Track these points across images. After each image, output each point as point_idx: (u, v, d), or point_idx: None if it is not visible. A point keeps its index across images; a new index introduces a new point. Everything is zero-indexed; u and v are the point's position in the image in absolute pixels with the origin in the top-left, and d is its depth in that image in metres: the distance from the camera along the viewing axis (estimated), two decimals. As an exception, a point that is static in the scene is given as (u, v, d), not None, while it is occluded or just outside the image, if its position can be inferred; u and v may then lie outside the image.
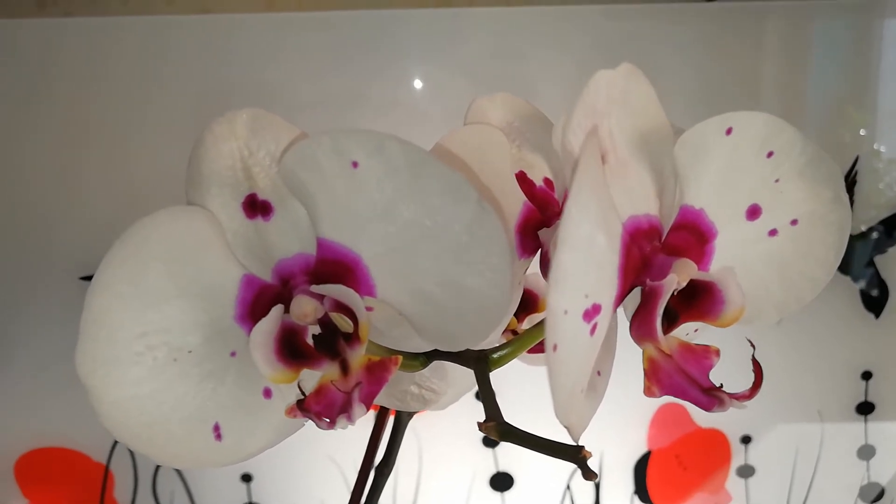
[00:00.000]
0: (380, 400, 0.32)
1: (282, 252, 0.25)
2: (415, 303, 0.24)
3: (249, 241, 0.25)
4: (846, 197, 0.25)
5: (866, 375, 0.69)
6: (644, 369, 0.23)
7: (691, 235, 0.24)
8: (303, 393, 0.24)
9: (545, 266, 0.30)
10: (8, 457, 0.64)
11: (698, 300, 0.23)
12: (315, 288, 0.24)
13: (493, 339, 0.28)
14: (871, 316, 0.67)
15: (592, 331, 0.20)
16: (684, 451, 0.69)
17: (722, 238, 0.25)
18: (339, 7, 0.62)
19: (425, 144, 0.24)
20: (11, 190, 0.59)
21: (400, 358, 0.24)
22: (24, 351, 0.61)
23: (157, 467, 0.65)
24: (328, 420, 0.23)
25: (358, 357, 0.24)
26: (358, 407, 0.23)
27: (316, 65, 0.58)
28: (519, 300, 0.32)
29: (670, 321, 0.24)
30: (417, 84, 0.59)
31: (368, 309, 0.25)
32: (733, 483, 0.70)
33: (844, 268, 0.66)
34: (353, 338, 0.24)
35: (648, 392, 0.23)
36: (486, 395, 0.25)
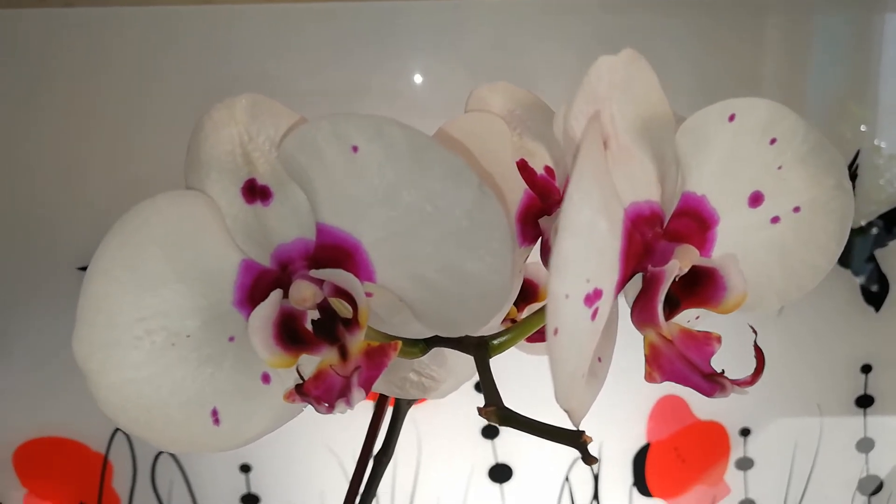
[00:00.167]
0: (379, 387, 0.32)
1: (281, 237, 0.25)
2: (415, 288, 0.24)
3: (248, 226, 0.25)
4: (849, 184, 0.25)
5: (866, 369, 0.69)
6: (645, 355, 0.23)
7: (693, 222, 0.24)
8: (301, 377, 0.24)
9: (546, 254, 0.30)
10: (7, 447, 0.64)
11: (700, 286, 0.23)
12: (314, 272, 0.24)
13: (493, 326, 0.28)
14: (871, 309, 0.67)
15: (593, 316, 0.20)
16: (683, 444, 0.69)
17: (724, 225, 0.25)
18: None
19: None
20: (11, 182, 0.59)
21: (399, 343, 0.24)
22: (23, 341, 0.61)
23: (156, 457, 0.65)
24: (327, 404, 0.23)
25: (357, 342, 0.24)
26: (357, 391, 0.23)
27: (317, 56, 0.58)
28: (519, 288, 0.32)
29: (672, 307, 0.24)
30: (418, 76, 0.59)
31: (368, 295, 0.24)
32: (732, 475, 0.70)
33: (845, 261, 0.66)
34: (352, 323, 0.24)
35: (649, 378, 0.23)
36: (485, 380, 0.24)
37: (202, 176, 0.25)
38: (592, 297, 0.20)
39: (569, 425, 0.22)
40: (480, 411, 0.24)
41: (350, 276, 0.24)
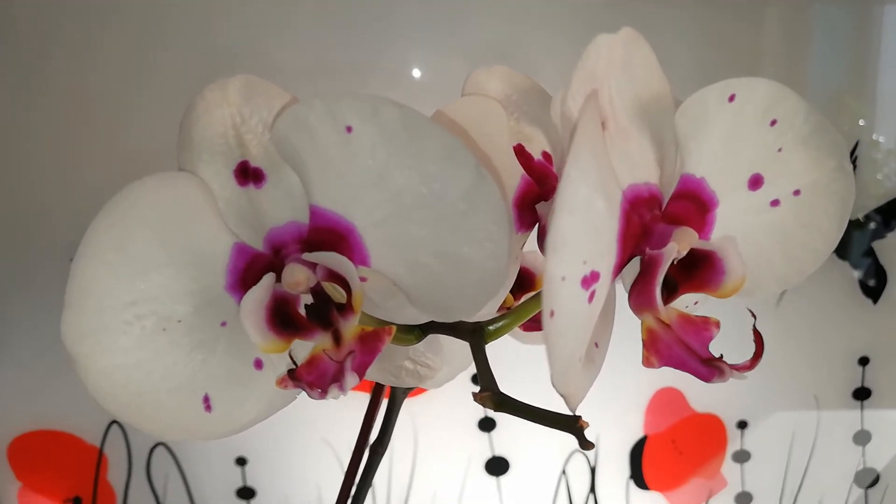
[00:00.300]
0: (374, 376, 0.32)
1: (274, 220, 0.25)
2: (410, 273, 0.24)
3: (241, 208, 0.25)
4: (850, 167, 0.25)
5: (863, 361, 0.69)
6: (643, 340, 0.23)
7: (692, 204, 0.24)
8: (294, 363, 0.24)
9: (543, 240, 0.30)
10: (1, 440, 0.63)
11: (698, 270, 0.23)
12: (307, 256, 0.24)
13: (489, 313, 0.28)
14: (869, 301, 0.67)
15: (590, 298, 0.20)
16: (680, 436, 0.69)
17: (723, 208, 0.25)
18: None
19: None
20: (5, 172, 0.58)
21: (394, 328, 0.24)
22: (17, 334, 0.60)
23: (152, 450, 0.65)
24: (320, 390, 0.23)
25: (351, 327, 0.24)
26: (350, 376, 0.22)
27: (315, 41, 0.58)
28: (516, 275, 0.31)
29: (670, 291, 0.23)
30: (414, 67, 0.58)
31: (362, 279, 0.24)
32: (729, 468, 0.70)
33: (843, 253, 0.66)
34: (346, 308, 0.24)
35: (647, 363, 0.22)
36: (481, 366, 0.24)
37: (194, 158, 0.25)
38: (589, 280, 0.20)
39: (565, 412, 0.22)
40: (476, 397, 0.23)
41: (344, 259, 0.23)
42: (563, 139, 0.21)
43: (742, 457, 0.70)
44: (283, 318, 0.24)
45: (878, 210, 0.65)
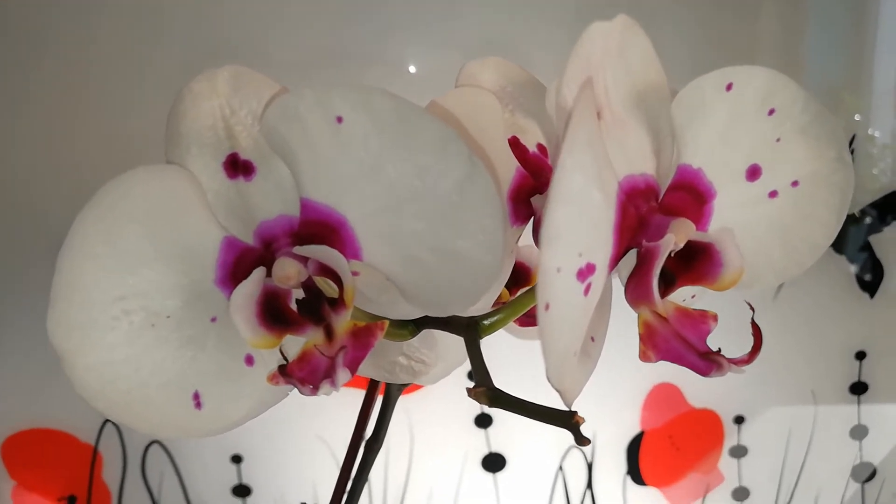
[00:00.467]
0: (368, 372, 0.31)
1: (264, 213, 0.24)
2: (403, 266, 0.24)
3: (231, 202, 0.24)
4: (849, 157, 0.24)
5: (860, 356, 0.69)
6: (640, 334, 0.22)
7: (689, 195, 0.23)
8: (285, 358, 0.23)
9: (538, 233, 0.29)
10: (-5, 438, 0.63)
11: (696, 262, 0.22)
12: (298, 249, 0.23)
13: (484, 307, 0.28)
14: (866, 296, 0.67)
15: (586, 291, 0.20)
16: (677, 432, 0.69)
17: (721, 199, 0.24)
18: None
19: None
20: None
21: (386, 323, 0.23)
22: (10, 332, 0.60)
23: (146, 448, 0.65)
24: (311, 386, 0.22)
25: (343, 322, 0.23)
26: (342, 372, 0.22)
27: (309, 33, 0.57)
28: (511, 270, 0.31)
29: (667, 284, 0.23)
30: (410, 60, 0.58)
31: (354, 273, 0.24)
32: (726, 463, 0.70)
33: (840, 248, 0.65)
34: (338, 303, 0.23)
35: (644, 357, 0.22)
36: (475, 361, 0.24)
37: (182, 150, 0.24)
38: (585, 272, 0.19)
39: (562, 407, 0.22)
40: (470, 392, 0.23)
41: (335, 253, 0.23)
42: (557, 129, 0.21)
43: (739, 452, 0.70)
44: (274, 313, 0.23)
45: (874, 205, 0.65)
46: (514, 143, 0.30)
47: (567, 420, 0.21)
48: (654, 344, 0.22)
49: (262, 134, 0.23)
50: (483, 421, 0.66)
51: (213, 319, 0.24)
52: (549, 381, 0.20)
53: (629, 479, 0.69)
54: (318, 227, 0.24)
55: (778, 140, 0.24)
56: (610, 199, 0.20)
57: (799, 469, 0.71)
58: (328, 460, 0.65)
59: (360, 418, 0.37)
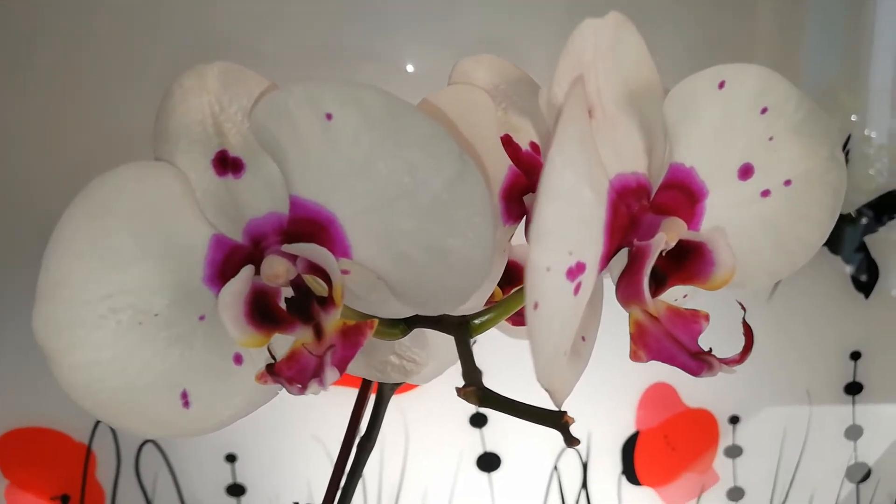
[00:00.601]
0: (360, 371, 0.31)
1: (253, 211, 0.24)
2: (393, 265, 0.23)
3: (219, 199, 0.24)
4: (842, 156, 0.24)
5: (855, 356, 0.69)
6: (631, 333, 0.22)
7: (681, 194, 0.23)
8: (273, 357, 0.23)
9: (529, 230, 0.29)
10: (-12, 437, 0.63)
11: (687, 262, 0.22)
12: (287, 247, 0.23)
13: (476, 306, 0.27)
14: (861, 296, 0.67)
15: (576, 290, 0.20)
16: (672, 432, 0.69)
17: (713, 198, 0.24)
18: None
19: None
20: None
21: (375, 322, 0.23)
22: (3, 331, 0.60)
23: (140, 447, 0.64)
24: (299, 385, 0.22)
25: (332, 321, 0.23)
26: (330, 371, 0.22)
27: (306, 30, 0.57)
28: (503, 269, 0.31)
29: (658, 284, 0.23)
30: (407, 58, 0.58)
31: (344, 272, 0.23)
32: (721, 463, 0.70)
33: (835, 248, 0.65)
34: (327, 301, 0.23)
35: (634, 357, 0.22)
36: (465, 360, 0.24)
37: (171, 147, 0.24)
38: (575, 271, 0.19)
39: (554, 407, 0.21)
40: (459, 392, 0.23)
41: (324, 251, 0.23)
42: (549, 126, 0.21)
43: (734, 452, 0.70)
44: (263, 312, 0.23)
45: (870, 205, 0.65)
46: (507, 142, 0.30)
47: (556, 420, 0.21)
48: (645, 343, 0.22)
49: (251, 131, 0.23)
50: (478, 420, 0.66)
51: (202, 318, 0.24)
52: (538, 381, 0.20)
53: (624, 478, 0.69)
54: (308, 225, 0.23)
55: (771, 139, 0.24)
56: (601, 198, 0.20)
57: (794, 469, 0.71)
58: (323, 459, 0.65)
59: (352, 417, 0.37)
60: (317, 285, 0.24)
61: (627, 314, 0.23)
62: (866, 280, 0.66)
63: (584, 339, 0.23)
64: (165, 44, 0.56)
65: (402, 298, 0.24)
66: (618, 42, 0.22)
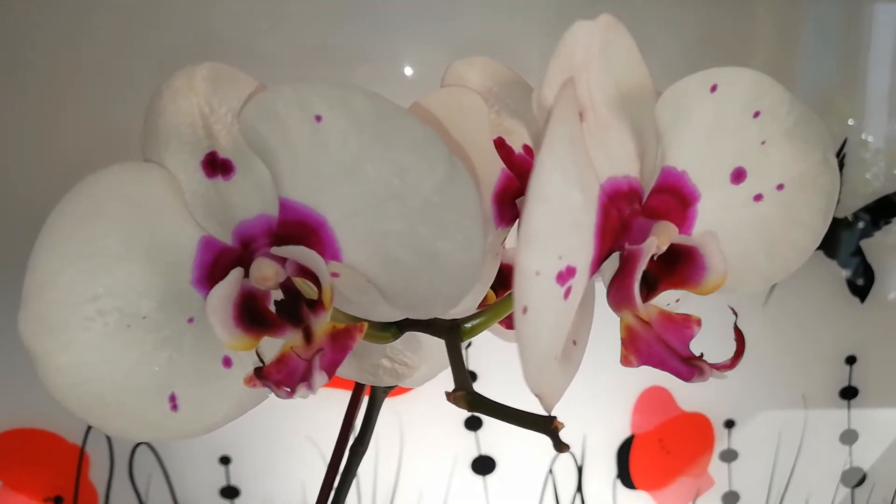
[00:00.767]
0: (351, 375, 0.31)
1: (242, 213, 0.24)
2: (382, 268, 0.23)
3: (209, 201, 0.24)
4: (834, 160, 0.24)
5: (850, 360, 0.68)
6: (621, 338, 0.22)
7: (673, 198, 0.23)
8: (261, 360, 0.23)
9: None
10: (-19, 438, 0.62)
11: (679, 266, 0.22)
12: (276, 250, 0.23)
13: (469, 309, 0.27)
14: (857, 300, 0.67)
15: (566, 294, 0.19)
16: (668, 436, 0.68)
17: (705, 202, 0.24)
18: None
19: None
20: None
21: (365, 325, 0.23)
22: (-4, 330, 0.59)
23: (134, 449, 0.64)
24: (288, 389, 0.22)
25: (322, 324, 0.23)
26: (319, 375, 0.22)
27: (303, 31, 0.57)
28: (495, 272, 0.31)
29: (650, 288, 0.23)
30: (404, 60, 0.58)
31: (334, 275, 0.23)
32: (716, 467, 0.70)
33: (831, 252, 0.65)
34: (317, 304, 0.23)
35: (625, 361, 0.22)
36: (455, 364, 0.23)
37: (160, 148, 0.24)
38: (565, 275, 0.19)
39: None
40: (449, 396, 0.23)
41: (313, 253, 0.22)
42: (539, 127, 0.21)
43: (729, 456, 0.70)
44: (252, 315, 0.23)
45: (866, 209, 0.65)
46: (500, 145, 0.30)
47: (546, 425, 0.20)
48: (637, 348, 0.22)
49: (240, 132, 0.23)
50: (473, 423, 0.66)
51: (190, 320, 0.24)
52: (527, 386, 0.19)
53: (619, 482, 0.69)
54: (297, 228, 0.23)
55: (763, 143, 0.24)
56: (591, 201, 0.20)
57: (789, 473, 0.71)
58: (317, 461, 0.65)
59: (345, 420, 0.37)
60: (306, 288, 0.24)
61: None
62: (862, 284, 0.66)
63: (575, 343, 0.23)
64: (163, 44, 0.56)
65: (392, 302, 0.24)
66: (609, 44, 0.21)
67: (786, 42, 0.61)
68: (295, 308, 0.23)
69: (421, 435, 0.65)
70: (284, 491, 0.66)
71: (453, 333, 0.25)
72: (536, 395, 0.20)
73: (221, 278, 0.23)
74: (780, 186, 0.24)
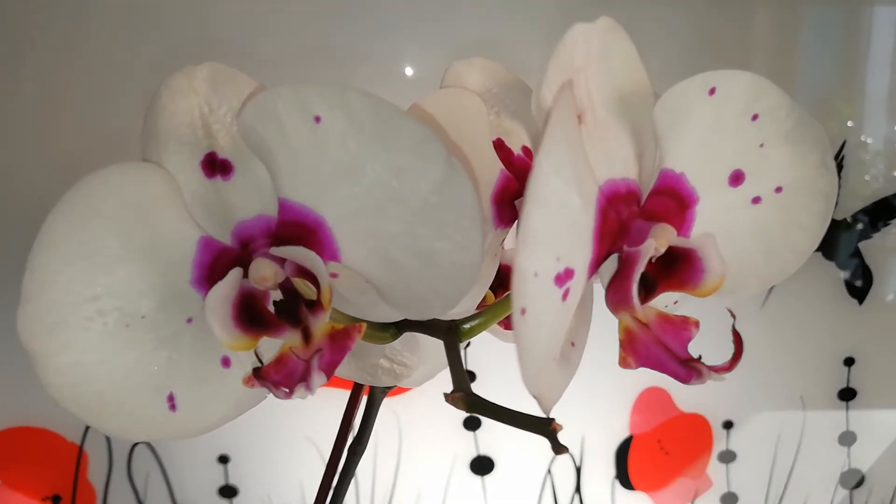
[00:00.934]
0: (350, 375, 0.31)
1: (242, 213, 0.24)
2: (381, 268, 0.23)
3: (208, 201, 0.24)
4: (832, 163, 0.24)
5: (849, 362, 0.68)
6: (620, 340, 0.22)
7: (671, 201, 0.23)
8: (260, 361, 0.23)
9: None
10: (-21, 437, 0.62)
11: (677, 268, 0.22)
12: (275, 250, 0.23)
13: (468, 310, 0.27)
14: (855, 302, 0.67)
15: (565, 296, 0.19)
16: (666, 436, 0.68)
17: (703, 204, 0.24)
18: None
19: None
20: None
21: (364, 326, 0.23)
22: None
23: (133, 448, 0.64)
24: (286, 390, 0.22)
25: (321, 325, 0.23)
26: (317, 375, 0.22)
27: (302, 31, 0.57)
28: (494, 272, 0.31)
29: (648, 290, 0.23)
30: (404, 61, 0.58)
31: (333, 275, 0.23)
32: (714, 468, 0.70)
33: (829, 254, 0.65)
34: (315, 305, 0.23)
35: (623, 363, 0.22)
36: (454, 365, 0.23)
37: (160, 148, 0.24)
38: (563, 277, 0.19)
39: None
40: (447, 397, 0.23)
41: (312, 254, 0.22)
42: (538, 130, 0.21)
43: (728, 457, 0.70)
44: (251, 315, 0.23)
45: (865, 211, 0.65)
46: (499, 146, 0.30)
47: (545, 427, 0.20)
48: (635, 350, 0.22)
49: (239, 133, 0.23)
50: (472, 423, 0.66)
51: (189, 320, 0.24)
52: (525, 386, 0.19)
53: (618, 483, 0.69)
54: (296, 228, 0.23)
55: (761, 145, 0.24)
56: (589, 203, 0.20)
57: (787, 475, 0.71)
58: (315, 461, 0.65)
59: (344, 420, 0.37)
60: (305, 289, 0.24)
61: (617, 320, 0.23)
62: (861, 286, 0.66)
63: (573, 344, 0.23)
64: (161, 44, 0.56)
65: (391, 302, 0.24)
66: (608, 47, 0.21)
67: (785, 44, 0.61)
68: (294, 308, 0.23)
69: (419, 435, 0.65)
70: (283, 490, 0.66)
71: (452, 334, 0.25)
72: (535, 397, 0.20)
73: (220, 278, 0.23)
74: (779, 189, 0.24)
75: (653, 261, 0.22)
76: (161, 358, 0.24)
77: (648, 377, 0.66)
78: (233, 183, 0.24)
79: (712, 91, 0.22)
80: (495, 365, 0.58)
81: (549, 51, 0.21)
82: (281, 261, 0.23)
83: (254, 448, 0.65)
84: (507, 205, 0.29)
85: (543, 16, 0.57)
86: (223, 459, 0.65)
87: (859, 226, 0.65)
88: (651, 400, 0.67)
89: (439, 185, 0.21)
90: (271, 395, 0.23)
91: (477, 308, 0.30)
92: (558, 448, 0.20)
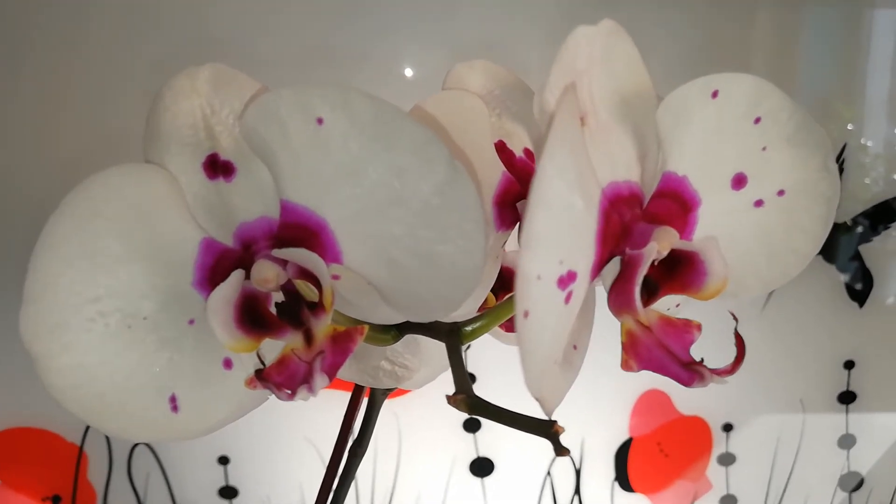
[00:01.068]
0: (352, 377, 0.31)
1: (244, 215, 0.24)
2: (383, 270, 0.23)
3: (210, 203, 0.24)
4: (835, 166, 0.24)
5: (848, 365, 0.68)
6: (622, 343, 0.22)
7: (674, 203, 0.23)
8: (262, 363, 0.23)
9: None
10: (-21, 437, 0.62)
11: (680, 271, 0.22)
12: (277, 252, 0.23)
13: (469, 312, 0.27)
14: (855, 305, 0.67)
15: (567, 299, 0.19)
16: (666, 439, 0.68)
17: (706, 207, 0.24)
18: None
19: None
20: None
21: (366, 328, 0.23)
22: (-6, 330, 0.59)
23: (133, 449, 0.64)
24: (289, 391, 0.22)
25: (323, 327, 0.23)
26: (320, 377, 0.22)
27: (302, 32, 0.57)
28: (496, 275, 0.31)
29: (650, 293, 0.23)
30: (405, 62, 0.58)
31: (335, 277, 0.23)
32: (714, 471, 0.70)
33: (830, 257, 0.65)
34: (317, 307, 0.23)
35: (626, 366, 0.22)
36: (456, 367, 0.23)
37: (162, 149, 0.24)
38: (566, 280, 0.19)
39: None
40: (449, 399, 0.23)
41: (314, 256, 0.22)
42: (541, 133, 0.21)
43: (727, 460, 0.70)
44: (253, 317, 0.23)
45: (866, 214, 0.65)
46: (501, 148, 0.30)
47: (547, 430, 0.20)
48: (637, 353, 0.22)
49: (241, 135, 0.23)
50: (472, 425, 0.66)
51: (191, 322, 0.24)
52: (528, 390, 0.19)
53: (617, 485, 0.69)
54: (298, 230, 0.23)
55: (764, 148, 0.24)
56: (592, 206, 0.20)
57: (787, 478, 0.71)
58: (316, 462, 0.64)
59: (344, 421, 0.37)
60: (307, 290, 0.24)
61: (619, 322, 0.23)
62: (861, 289, 0.66)
63: (575, 347, 0.23)
64: (161, 44, 0.56)
65: (393, 304, 0.24)
66: (610, 49, 0.21)
67: (786, 47, 0.62)
68: (296, 310, 0.23)
69: (419, 437, 0.65)
70: (283, 491, 0.66)
71: (454, 336, 0.25)
72: (537, 399, 0.20)
73: (222, 280, 0.23)
74: (781, 192, 0.24)
75: (655, 264, 0.22)
76: (163, 359, 0.24)
77: (648, 379, 0.66)
78: (235, 184, 0.24)
79: (715, 94, 0.22)
80: (495, 367, 0.58)
81: (550, 51, 0.21)
82: (283, 262, 0.23)
83: (254, 449, 0.65)
84: (509, 207, 0.29)
85: (544, 16, 0.57)
86: (223, 460, 0.65)
87: (859, 229, 0.65)
88: (651, 402, 0.67)
89: (441, 187, 0.21)
90: (272, 396, 0.23)
91: (478, 311, 0.30)
92: (560, 450, 0.20)
